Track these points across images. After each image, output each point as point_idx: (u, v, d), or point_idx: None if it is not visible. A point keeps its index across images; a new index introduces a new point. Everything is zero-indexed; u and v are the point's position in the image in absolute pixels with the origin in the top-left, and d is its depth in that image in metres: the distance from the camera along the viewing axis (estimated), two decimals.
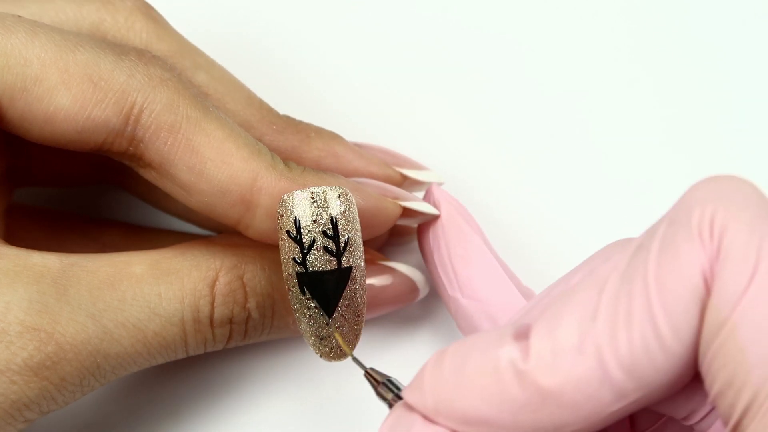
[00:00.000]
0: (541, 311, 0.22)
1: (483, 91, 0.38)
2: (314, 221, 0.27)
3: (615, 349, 0.20)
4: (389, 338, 0.35)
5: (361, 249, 0.28)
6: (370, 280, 0.32)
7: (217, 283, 0.29)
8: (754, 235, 0.20)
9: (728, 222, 0.20)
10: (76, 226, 0.35)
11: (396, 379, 0.27)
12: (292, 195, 0.27)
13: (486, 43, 0.39)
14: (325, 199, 0.27)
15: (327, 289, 0.28)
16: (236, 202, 0.28)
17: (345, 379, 0.34)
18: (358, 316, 0.28)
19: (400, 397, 0.25)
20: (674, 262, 0.20)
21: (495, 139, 0.37)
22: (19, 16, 0.28)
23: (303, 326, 0.28)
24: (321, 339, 0.28)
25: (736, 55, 0.38)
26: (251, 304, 0.30)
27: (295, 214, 0.27)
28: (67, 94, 0.27)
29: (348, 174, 0.32)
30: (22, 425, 0.27)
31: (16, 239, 0.29)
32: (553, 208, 0.36)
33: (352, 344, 0.29)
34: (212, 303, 0.29)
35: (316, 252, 0.27)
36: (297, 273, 0.27)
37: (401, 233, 0.36)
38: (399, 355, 0.35)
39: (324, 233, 0.27)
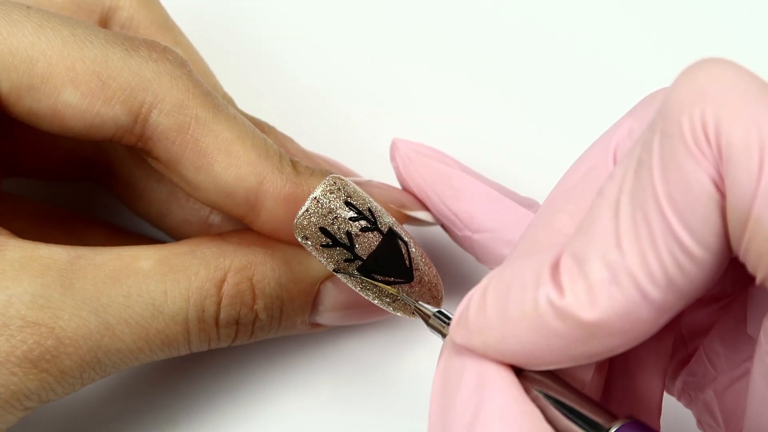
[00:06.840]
0: (561, 240, 0.23)
1: (490, 85, 0.38)
2: (332, 221, 0.28)
3: (648, 273, 0.20)
4: (396, 344, 0.35)
5: (383, 209, 0.29)
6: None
7: (225, 283, 0.29)
8: (750, 123, 0.19)
9: (720, 121, 0.20)
10: (58, 220, 0.34)
11: (445, 311, 0.27)
12: (305, 212, 0.28)
13: (491, 38, 0.38)
14: (328, 197, 0.28)
15: (389, 261, 0.28)
16: (241, 202, 0.28)
17: (349, 375, 0.34)
18: (424, 260, 0.29)
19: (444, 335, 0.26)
20: (680, 179, 0.20)
21: (500, 135, 0.37)
22: (28, 7, 0.28)
23: (374, 299, 0.29)
24: (398, 304, 0.29)
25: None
26: (259, 305, 0.30)
27: (319, 225, 0.28)
28: (75, 91, 0.27)
29: None
30: (22, 413, 0.27)
31: None
32: None
33: (436, 289, 0.29)
34: (218, 303, 0.29)
35: (359, 237, 0.28)
36: (357, 269, 0.28)
37: None
38: (407, 359, 0.35)
39: (351, 219, 0.28)
